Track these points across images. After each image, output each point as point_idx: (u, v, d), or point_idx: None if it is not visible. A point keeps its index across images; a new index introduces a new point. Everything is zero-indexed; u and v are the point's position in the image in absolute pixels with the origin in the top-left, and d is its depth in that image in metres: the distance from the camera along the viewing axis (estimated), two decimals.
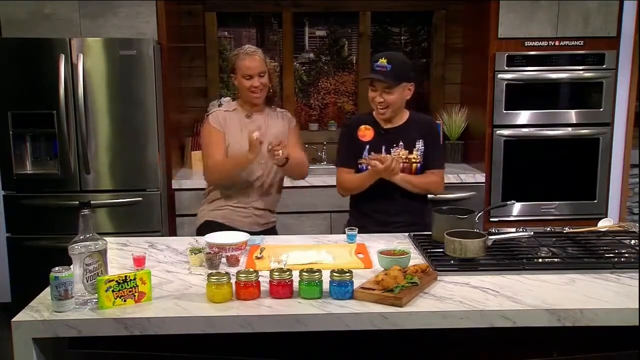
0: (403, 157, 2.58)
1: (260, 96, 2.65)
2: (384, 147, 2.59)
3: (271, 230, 2.80)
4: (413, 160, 2.60)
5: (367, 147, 2.60)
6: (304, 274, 1.75)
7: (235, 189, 2.66)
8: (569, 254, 2.14)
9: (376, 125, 2.62)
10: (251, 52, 2.62)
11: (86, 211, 1.74)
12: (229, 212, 2.66)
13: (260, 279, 1.78)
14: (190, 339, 1.70)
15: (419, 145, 2.61)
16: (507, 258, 2.08)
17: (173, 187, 3.71)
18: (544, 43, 3.78)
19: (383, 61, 2.48)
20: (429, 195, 2.74)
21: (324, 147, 4.37)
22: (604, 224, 2.53)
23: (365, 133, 2.60)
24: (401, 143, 2.60)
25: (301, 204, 3.73)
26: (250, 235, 2.32)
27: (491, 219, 3.87)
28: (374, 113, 2.65)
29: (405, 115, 2.66)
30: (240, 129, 2.66)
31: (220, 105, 4.09)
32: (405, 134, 2.61)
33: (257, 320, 1.65)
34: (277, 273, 1.76)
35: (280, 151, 2.44)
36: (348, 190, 2.68)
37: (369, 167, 2.50)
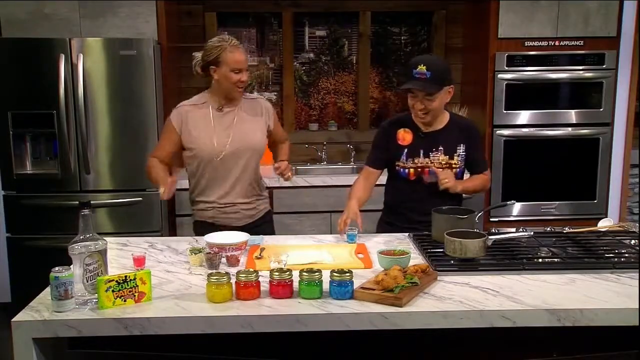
0: (443, 162, 2.53)
1: (243, 90, 2.59)
2: (422, 152, 2.52)
3: (267, 216, 2.73)
4: (454, 165, 2.53)
5: (406, 150, 2.53)
6: (304, 274, 1.75)
7: (213, 189, 2.58)
8: (569, 254, 2.14)
9: (415, 128, 2.55)
10: (237, 44, 2.51)
11: (86, 211, 1.74)
12: (216, 211, 2.60)
13: (260, 279, 1.78)
14: (190, 339, 1.70)
15: (460, 150, 2.54)
16: (507, 258, 2.08)
17: None
18: (544, 43, 3.78)
19: (422, 68, 2.37)
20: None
21: (324, 147, 4.37)
22: (604, 224, 2.53)
23: (405, 136, 2.53)
24: (441, 148, 2.52)
25: (301, 204, 3.73)
26: (246, 228, 2.32)
27: (491, 219, 3.87)
28: (412, 115, 2.56)
29: (446, 118, 2.56)
30: (209, 122, 2.55)
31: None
32: (445, 138, 2.53)
33: (257, 320, 1.65)
34: (277, 273, 1.76)
35: (290, 173, 2.58)
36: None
37: (407, 170, 2.52)
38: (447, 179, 2.42)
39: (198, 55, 2.57)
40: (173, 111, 2.61)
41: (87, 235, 1.73)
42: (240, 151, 2.55)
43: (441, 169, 2.49)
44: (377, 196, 2.70)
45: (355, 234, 2.37)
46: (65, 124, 3.43)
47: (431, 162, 2.53)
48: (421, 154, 2.53)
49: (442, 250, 2.11)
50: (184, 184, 3.66)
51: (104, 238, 1.80)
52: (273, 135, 2.72)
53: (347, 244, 2.34)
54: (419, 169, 2.54)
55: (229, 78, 2.49)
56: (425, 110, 2.44)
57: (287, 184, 2.94)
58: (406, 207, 2.59)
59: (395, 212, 2.65)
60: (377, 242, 2.34)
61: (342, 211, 2.70)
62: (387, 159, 2.60)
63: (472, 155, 2.56)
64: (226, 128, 2.55)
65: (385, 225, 2.67)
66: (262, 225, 2.66)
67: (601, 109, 3.87)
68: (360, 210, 2.52)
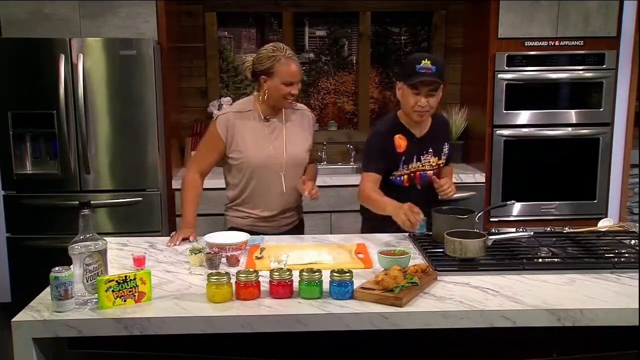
0: (434, 164, 2.54)
1: (293, 102, 2.51)
2: (415, 157, 2.52)
3: (299, 226, 2.71)
4: (441, 164, 2.56)
5: (403, 158, 2.49)
6: (304, 274, 1.75)
7: (257, 200, 2.53)
8: (569, 254, 2.14)
9: (408, 134, 2.51)
10: (291, 56, 2.43)
11: (86, 211, 1.74)
12: (253, 220, 2.55)
13: (260, 279, 1.78)
14: (190, 339, 1.70)
15: (445, 149, 2.59)
16: (507, 258, 2.08)
17: (173, 187, 3.71)
18: (544, 43, 3.78)
19: (427, 63, 2.35)
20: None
21: (324, 147, 4.37)
22: (604, 224, 2.53)
23: (400, 143, 2.48)
24: (431, 150, 2.53)
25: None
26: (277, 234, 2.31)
27: (491, 219, 3.87)
28: (398, 116, 2.53)
29: (429, 119, 2.56)
30: (258, 131, 2.48)
31: (220, 106, 4.10)
32: (433, 139, 2.54)
33: (257, 320, 1.65)
34: (277, 273, 1.76)
35: (316, 194, 2.46)
36: (365, 203, 2.51)
37: (402, 178, 2.50)
38: (451, 190, 2.44)
39: (249, 59, 2.51)
40: (218, 118, 2.50)
41: (87, 235, 1.73)
42: (289, 163, 2.51)
43: (434, 174, 2.50)
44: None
45: (424, 223, 2.29)
46: (65, 124, 3.43)
47: (423, 166, 2.53)
48: (414, 160, 2.52)
49: (442, 250, 2.11)
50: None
51: (104, 238, 1.80)
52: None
53: (347, 244, 2.34)
54: (412, 174, 2.53)
55: (279, 90, 2.41)
56: (427, 107, 2.40)
57: None
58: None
59: (387, 222, 2.49)
60: (377, 242, 2.34)
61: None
62: (386, 167, 2.51)
63: (450, 151, 2.63)
64: (275, 139, 2.50)
65: (371, 222, 2.58)
66: (291, 232, 2.64)
67: (601, 109, 3.87)
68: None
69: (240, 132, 2.47)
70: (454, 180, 3.73)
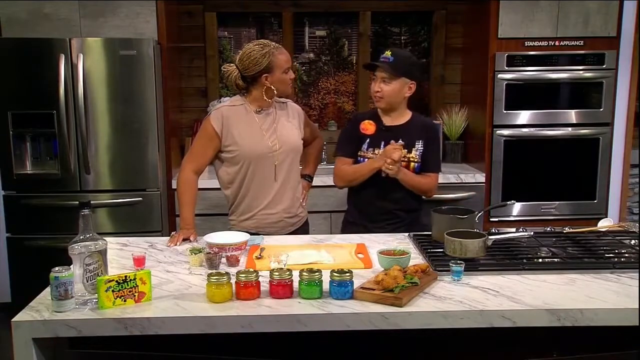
0: (402, 155, 2.57)
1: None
2: (383, 143, 2.61)
3: (304, 226, 2.73)
4: (411, 159, 2.61)
5: (368, 140, 2.63)
6: (304, 274, 1.75)
7: (256, 196, 2.55)
8: (569, 254, 2.14)
9: (378, 121, 2.66)
10: (279, 46, 2.51)
11: (86, 211, 1.74)
12: (259, 220, 2.57)
13: (260, 279, 1.78)
14: (190, 339, 1.70)
15: (419, 145, 2.63)
16: (507, 258, 2.08)
17: (173, 187, 3.71)
18: (544, 43, 3.78)
19: (387, 53, 2.55)
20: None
21: (324, 147, 4.36)
22: (604, 224, 2.53)
23: (367, 127, 2.64)
24: (401, 141, 2.60)
25: None
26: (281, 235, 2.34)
27: (491, 219, 3.87)
28: (378, 109, 2.68)
29: (408, 115, 2.69)
30: (252, 123, 2.53)
31: None
32: (405, 133, 2.63)
33: (257, 320, 1.65)
34: (277, 273, 1.76)
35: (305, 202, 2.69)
36: (345, 180, 2.68)
37: (367, 160, 2.57)
38: (392, 166, 2.46)
39: (231, 69, 2.51)
40: (212, 114, 2.55)
41: (87, 235, 1.73)
42: (286, 151, 2.55)
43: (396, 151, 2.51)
44: (342, 197, 2.80)
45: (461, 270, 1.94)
46: (65, 124, 3.43)
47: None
48: (382, 146, 2.60)
49: (442, 250, 2.11)
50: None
51: (104, 238, 1.80)
52: (304, 132, 2.72)
53: (347, 244, 2.34)
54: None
55: (283, 80, 2.50)
56: (380, 94, 2.57)
57: None
58: (369, 199, 2.65)
59: (360, 212, 2.70)
60: (377, 242, 2.34)
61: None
62: (354, 150, 2.66)
63: (426, 153, 2.64)
64: (269, 128, 2.54)
65: (349, 224, 2.73)
66: (297, 232, 2.65)
67: (601, 109, 3.87)
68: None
69: (235, 125, 2.51)
70: (454, 180, 3.78)
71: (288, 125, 2.62)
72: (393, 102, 2.61)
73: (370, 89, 2.65)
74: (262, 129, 2.53)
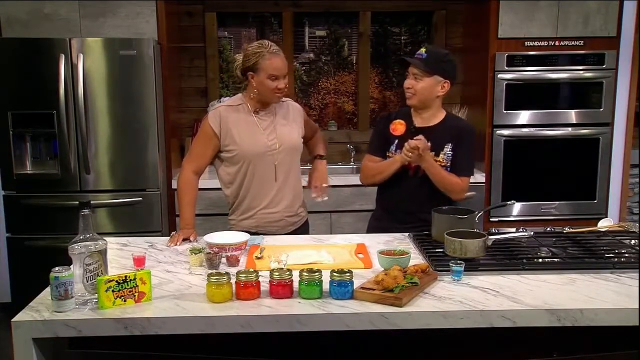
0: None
1: (282, 96, 2.56)
2: None
3: (304, 226, 2.72)
4: (439, 162, 2.53)
5: (396, 141, 2.58)
6: (304, 274, 1.75)
7: (256, 196, 2.54)
8: (569, 254, 2.14)
9: (409, 121, 2.60)
10: (276, 51, 2.46)
11: (86, 211, 1.74)
12: (259, 219, 2.56)
13: (260, 279, 1.78)
14: (190, 339, 1.70)
15: (447, 149, 2.54)
16: (507, 258, 2.08)
17: (173, 187, 3.71)
18: (544, 43, 3.78)
19: (422, 50, 2.50)
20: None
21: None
22: (604, 224, 2.53)
23: (397, 127, 2.59)
24: (429, 143, 2.51)
25: None
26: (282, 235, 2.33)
27: (491, 219, 3.87)
28: (411, 109, 2.62)
29: (441, 116, 2.60)
30: (251, 122, 2.52)
31: None
32: (435, 135, 2.54)
33: (257, 320, 1.65)
34: (277, 273, 1.76)
35: (325, 194, 2.66)
36: (369, 176, 2.65)
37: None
38: (410, 150, 2.40)
39: (239, 58, 2.54)
40: (209, 113, 2.55)
41: (87, 235, 1.73)
42: (286, 150, 2.54)
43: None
44: (372, 194, 2.74)
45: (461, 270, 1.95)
46: (65, 124, 3.43)
47: None
48: None
49: (442, 250, 2.11)
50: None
51: (104, 238, 1.80)
52: (305, 130, 2.72)
53: (347, 244, 2.34)
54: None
55: (266, 85, 2.45)
56: (412, 90, 2.52)
57: None
58: (394, 199, 2.61)
59: (384, 207, 2.67)
60: (377, 242, 2.34)
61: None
62: (382, 148, 2.64)
63: (456, 156, 2.54)
64: (267, 128, 2.53)
65: (374, 222, 2.71)
66: (297, 232, 2.64)
67: (601, 109, 3.87)
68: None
69: (233, 125, 2.51)
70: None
71: (288, 124, 2.61)
72: (425, 100, 2.53)
73: (403, 86, 2.58)
74: (260, 128, 2.53)
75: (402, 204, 2.58)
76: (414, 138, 2.43)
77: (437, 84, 2.50)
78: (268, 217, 2.56)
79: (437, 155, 2.54)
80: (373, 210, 2.78)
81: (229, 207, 2.64)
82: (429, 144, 2.47)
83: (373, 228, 2.68)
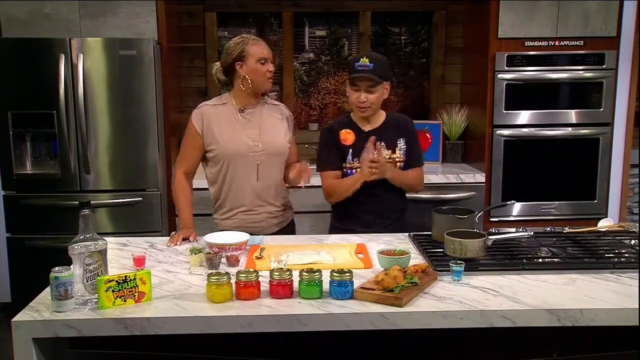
0: (387, 156, 2.55)
1: (272, 82, 2.55)
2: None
3: (289, 226, 2.69)
4: (397, 159, 2.58)
5: (350, 150, 2.58)
6: (304, 274, 1.75)
7: (239, 192, 2.52)
8: (569, 254, 2.14)
9: (356, 128, 2.61)
10: (257, 38, 2.51)
11: (86, 211, 1.74)
12: (241, 219, 2.54)
13: (260, 279, 1.78)
14: (190, 339, 1.70)
15: (401, 144, 2.60)
16: (507, 258, 2.08)
17: None
18: (544, 43, 3.78)
19: (365, 60, 2.48)
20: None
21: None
22: (604, 224, 2.53)
23: (347, 137, 2.59)
24: (383, 143, 2.56)
25: (301, 204, 3.72)
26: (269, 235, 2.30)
27: (491, 219, 3.87)
28: (351, 115, 2.64)
29: (382, 116, 2.65)
30: (234, 121, 2.50)
31: None
32: (385, 134, 2.58)
33: (257, 320, 1.65)
34: (277, 273, 1.76)
35: (302, 182, 2.48)
36: (337, 195, 2.59)
37: (355, 171, 2.52)
38: (376, 168, 2.40)
39: (216, 64, 2.55)
40: (193, 113, 2.55)
41: (87, 235, 1.73)
42: (268, 151, 2.51)
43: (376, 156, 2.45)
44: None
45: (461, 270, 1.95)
46: (65, 124, 3.43)
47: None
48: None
49: (442, 250, 2.11)
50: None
51: (104, 238, 1.80)
52: (291, 149, 2.66)
53: (347, 244, 2.34)
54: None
55: (257, 70, 2.46)
56: (367, 103, 2.51)
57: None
58: (359, 208, 2.59)
59: (347, 215, 2.63)
60: (377, 242, 2.34)
61: None
62: (338, 162, 2.60)
63: (410, 149, 2.60)
64: (252, 127, 2.51)
65: (340, 232, 2.61)
66: (281, 232, 2.62)
67: (601, 109, 3.87)
68: (328, 212, 2.67)
69: (216, 124, 2.50)
70: (454, 180, 3.78)
71: (274, 125, 2.58)
72: (377, 108, 2.58)
73: (352, 99, 2.54)
74: (244, 127, 2.50)
75: (363, 205, 2.58)
76: (366, 148, 2.45)
77: (383, 89, 2.55)
78: (249, 217, 2.54)
79: (394, 152, 2.58)
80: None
81: (212, 206, 2.63)
82: (384, 143, 2.52)
83: (334, 229, 2.67)
